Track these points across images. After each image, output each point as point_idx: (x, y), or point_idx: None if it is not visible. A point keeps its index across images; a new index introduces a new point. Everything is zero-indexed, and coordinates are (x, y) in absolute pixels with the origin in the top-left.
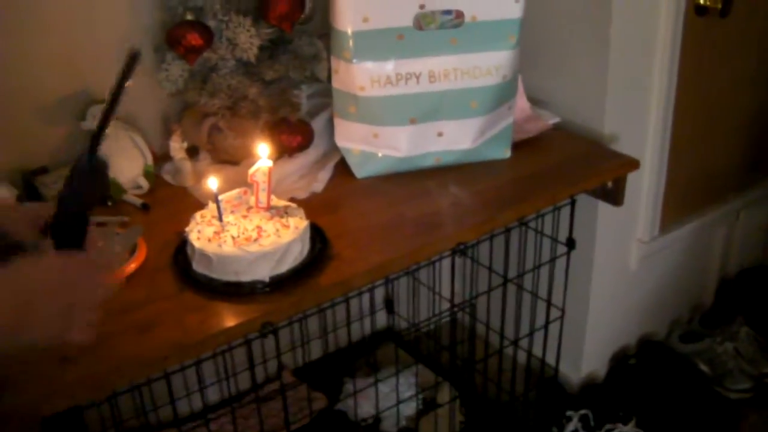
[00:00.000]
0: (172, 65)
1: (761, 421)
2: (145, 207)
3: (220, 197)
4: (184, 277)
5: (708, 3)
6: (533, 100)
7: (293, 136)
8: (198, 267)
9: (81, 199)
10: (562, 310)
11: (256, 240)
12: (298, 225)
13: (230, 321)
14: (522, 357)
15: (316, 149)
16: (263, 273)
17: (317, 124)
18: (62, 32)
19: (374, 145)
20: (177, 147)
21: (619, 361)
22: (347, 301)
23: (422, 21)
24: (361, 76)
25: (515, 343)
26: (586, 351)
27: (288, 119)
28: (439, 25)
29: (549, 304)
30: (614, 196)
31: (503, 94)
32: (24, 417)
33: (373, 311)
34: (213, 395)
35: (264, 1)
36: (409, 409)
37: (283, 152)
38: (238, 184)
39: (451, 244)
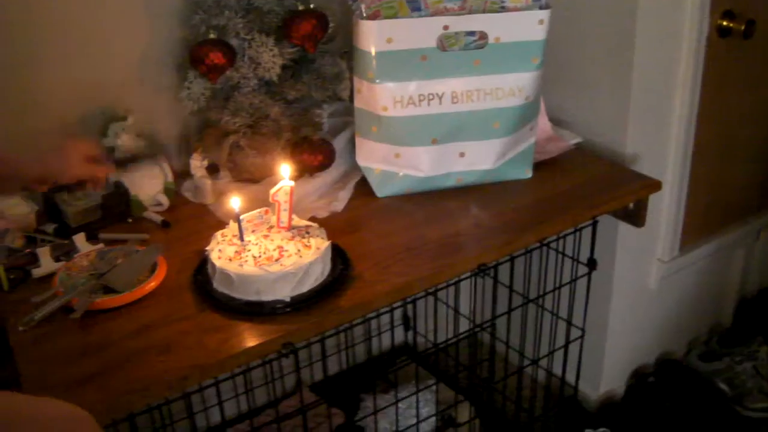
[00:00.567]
0: (194, 83)
1: None
2: (165, 224)
3: (241, 217)
4: (204, 296)
5: (731, 25)
6: (555, 121)
7: (315, 155)
8: (219, 286)
9: None
10: (583, 330)
11: (277, 260)
12: (319, 245)
13: (250, 341)
14: (541, 376)
15: (336, 168)
16: (284, 293)
17: (338, 143)
18: (85, 52)
19: (396, 165)
20: (197, 165)
21: (638, 379)
22: (366, 321)
23: (446, 42)
24: (383, 96)
25: (535, 362)
26: (606, 369)
27: (310, 138)
28: (462, 46)
29: (569, 323)
30: (636, 217)
31: (525, 115)
32: None
33: (391, 327)
34: (230, 410)
35: (287, 20)
36: (428, 426)
37: (304, 171)
38: (259, 202)
39: (473, 265)
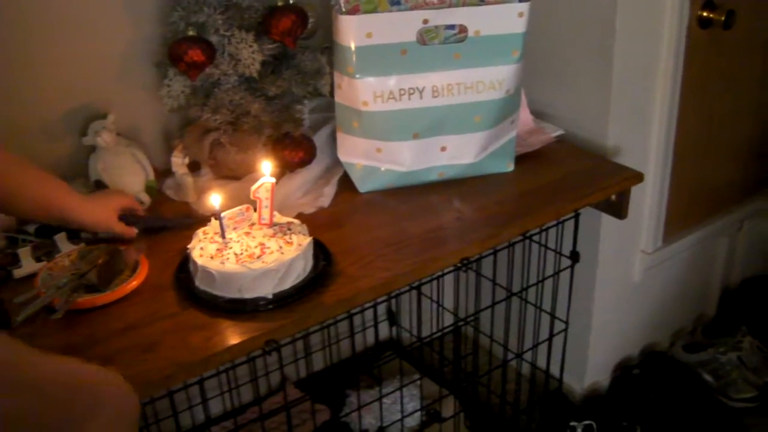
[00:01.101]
0: (174, 81)
1: (765, 429)
2: None
3: (222, 214)
4: (187, 294)
5: (711, 15)
6: (536, 113)
7: (296, 151)
8: (201, 284)
9: None
10: (566, 323)
11: (259, 257)
12: (301, 242)
13: (234, 339)
14: (526, 369)
15: (319, 164)
16: (266, 290)
17: (320, 139)
18: (64, 50)
19: (377, 160)
20: (179, 162)
21: (623, 371)
22: (350, 316)
23: (426, 36)
24: (364, 91)
25: (520, 356)
26: (590, 362)
27: (291, 134)
28: (442, 40)
29: (553, 316)
30: (618, 209)
31: (506, 109)
32: None
33: (375, 323)
34: (215, 408)
35: (266, 16)
36: (413, 421)
37: (285, 168)
38: (240, 199)
39: (455, 259)
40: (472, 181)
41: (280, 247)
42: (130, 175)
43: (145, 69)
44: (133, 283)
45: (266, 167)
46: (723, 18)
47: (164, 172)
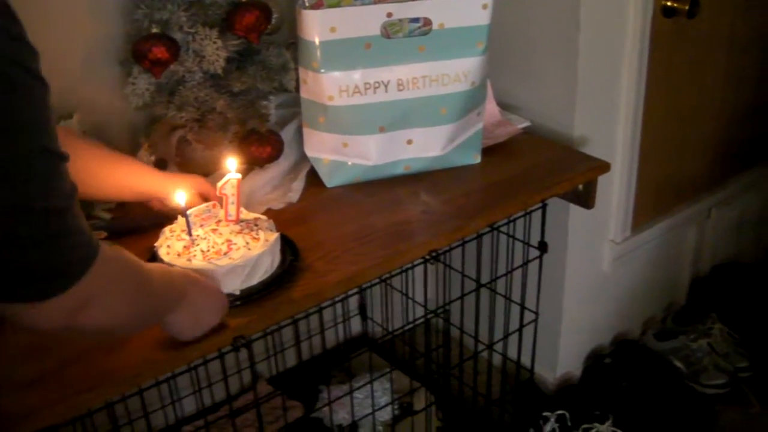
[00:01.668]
0: (139, 79)
1: (737, 416)
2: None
3: (188, 211)
4: None
5: (675, 4)
6: (503, 105)
7: (263, 147)
8: None
9: None
10: (536, 313)
11: (226, 253)
12: (267, 237)
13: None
14: (497, 360)
15: (286, 159)
16: (234, 286)
17: (287, 134)
18: None
19: (344, 155)
20: (145, 160)
21: (595, 360)
22: (321, 311)
23: (390, 29)
24: (329, 85)
25: (490, 347)
26: (562, 352)
27: (257, 130)
28: (406, 33)
29: (523, 307)
30: (585, 199)
31: (472, 101)
32: None
33: (345, 318)
34: (188, 406)
35: (230, 12)
36: (386, 414)
37: (253, 164)
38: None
39: (423, 252)
40: (439, 174)
41: (247, 243)
42: None
43: (109, 68)
44: None
45: (231, 164)
46: (687, 7)
47: None
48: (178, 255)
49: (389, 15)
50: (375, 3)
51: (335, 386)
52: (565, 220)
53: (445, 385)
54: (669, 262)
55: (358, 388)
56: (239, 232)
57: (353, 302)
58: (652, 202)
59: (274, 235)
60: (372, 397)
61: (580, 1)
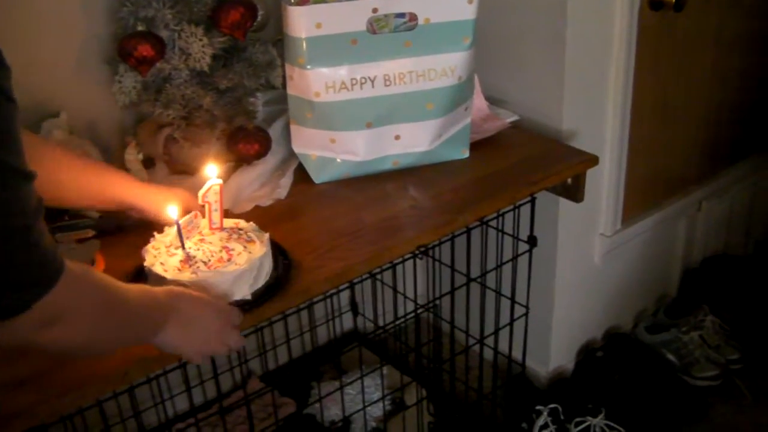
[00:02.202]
0: (125, 77)
1: (729, 408)
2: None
3: (169, 228)
4: None
5: None
6: (491, 99)
7: (250, 144)
8: None
9: None
10: (527, 307)
11: (229, 260)
12: (261, 239)
13: None
14: (489, 354)
15: (274, 156)
16: (244, 291)
17: (274, 131)
18: (13, 48)
19: (332, 151)
20: (132, 158)
21: (587, 354)
22: (310, 306)
23: (375, 25)
24: (315, 81)
25: (481, 341)
26: (553, 346)
27: (244, 127)
28: (392, 28)
29: (513, 301)
30: (574, 192)
31: (459, 95)
32: None
33: (335, 315)
34: (181, 404)
35: (215, 9)
36: (378, 410)
37: (241, 161)
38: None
39: (411, 247)
40: (427, 169)
41: (245, 247)
42: None
43: (96, 66)
44: None
45: (212, 170)
46: (674, 0)
47: (120, 169)
48: (179, 270)
49: (375, 11)
50: None
51: (327, 382)
52: (554, 213)
53: (436, 380)
54: (660, 255)
55: (349, 384)
56: (228, 239)
57: (344, 298)
58: (642, 195)
59: (266, 235)
60: (363, 392)
61: None
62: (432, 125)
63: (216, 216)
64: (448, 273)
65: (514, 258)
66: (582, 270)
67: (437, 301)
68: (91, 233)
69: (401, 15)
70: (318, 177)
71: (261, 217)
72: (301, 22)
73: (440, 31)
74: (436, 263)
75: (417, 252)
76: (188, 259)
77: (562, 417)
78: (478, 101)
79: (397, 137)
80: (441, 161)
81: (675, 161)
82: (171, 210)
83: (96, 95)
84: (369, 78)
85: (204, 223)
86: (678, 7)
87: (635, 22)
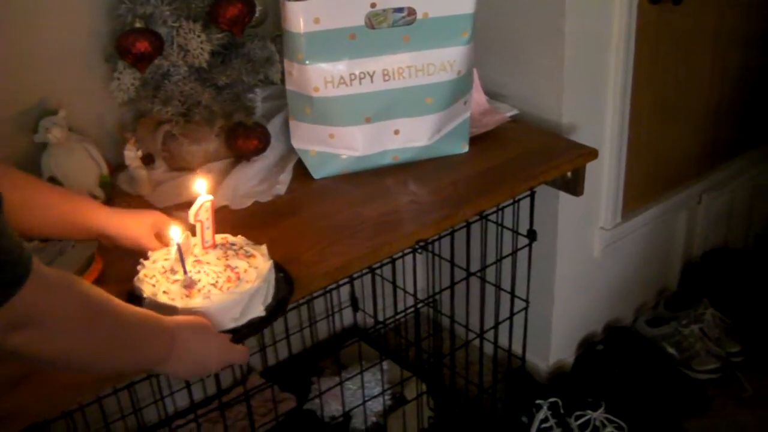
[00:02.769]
0: (124, 74)
1: (730, 400)
2: None
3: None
4: None
5: None
6: (490, 94)
7: (249, 140)
8: None
9: None
10: (527, 301)
11: (238, 279)
12: (261, 252)
13: None
14: (489, 349)
15: (273, 152)
16: (258, 308)
17: (273, 126)
18: (12, 46)
19: (331, 146)
20: (131, 156)
21: (587, 348)
22: (310, 301)
23: (374, 20)
24: (314, 77)
25: (481, 335)
26: (554, 340)
27: (243, 123)
28: (391, 23)
29: (513, 295)
30: (574, 186)
31: (458, 90)
32: None
33: (335, 310)
34: (181, 401)
35: (213, 6)
36: (378, 405)
37: (240, 157)
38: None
39: (411, 242)
40: (426, 164)
41: (249, 263)
42: (83, 171)
43: (95, 63)
44: (88, 280)
45: (201, 186)
46: None
47: (118, 166)
48: (187, 296)
49: (373, 5)
50: None
51: (327, 377)
52: (554, 207)
53: (436, 375)
54: (660, 248)
55: (349, 379)
56: (225, 256)
57: (344, 293)
58: (641, 188)
59: (264, 247)
60: (363, 387)
61: None
62: (431, 120)
63: (208, 234)
64: (448, 267)
65: (514, 252)
66: (582, 264)
67: (437, 296)
68: None
69: (400, 10)
70: (317, 172)
71: (260, 213)
72: (299, 18)
73: (439, 25)
74: (436, 258)
75: (417, 247)
76: (192, 284)
77: (562, 411)
78: (478, 95)
79: (397, 132)
80: (440, 156)
81: (675, 154)
82: (174, 233)
83: (94, 92)
84: (368, 73)
85: (195, 241)
86: (677, 1)
87: (634, 16)
